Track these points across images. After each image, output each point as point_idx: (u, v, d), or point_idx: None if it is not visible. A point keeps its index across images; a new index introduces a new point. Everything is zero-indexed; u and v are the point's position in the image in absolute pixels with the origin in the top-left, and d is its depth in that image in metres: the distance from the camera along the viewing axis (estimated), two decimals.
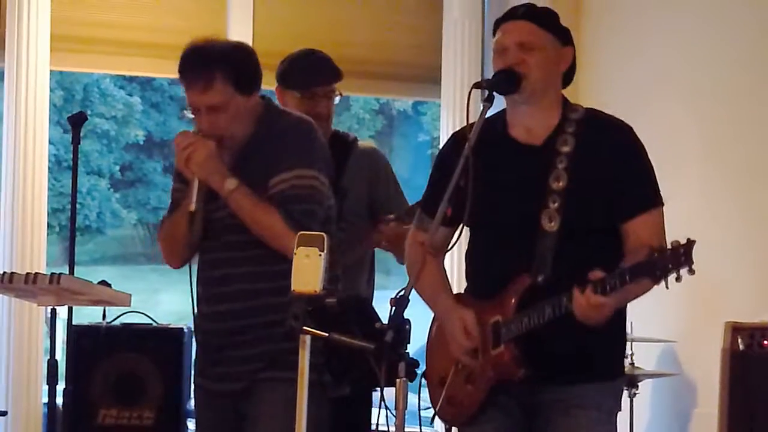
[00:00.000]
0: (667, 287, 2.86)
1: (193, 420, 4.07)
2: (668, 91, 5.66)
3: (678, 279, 2.84)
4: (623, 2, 6.12)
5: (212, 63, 3.51)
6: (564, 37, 3.28)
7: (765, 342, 4.45)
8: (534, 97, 3.22)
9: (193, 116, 3.59)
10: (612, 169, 3.17)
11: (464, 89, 6.14)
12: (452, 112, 6.25)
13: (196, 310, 3.70)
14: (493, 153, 3.24)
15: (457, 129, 3.52)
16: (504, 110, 3.32)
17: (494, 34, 3.28)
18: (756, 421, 4.42)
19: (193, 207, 3.53)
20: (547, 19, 3.27)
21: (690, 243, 2.83)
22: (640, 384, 5.15)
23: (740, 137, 5.22)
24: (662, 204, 3.22)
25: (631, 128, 3.27)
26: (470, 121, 3.11)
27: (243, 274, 3.60)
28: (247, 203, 3.53)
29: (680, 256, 2.82)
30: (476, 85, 3.15)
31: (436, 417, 3.38)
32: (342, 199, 4.13)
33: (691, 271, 2.82)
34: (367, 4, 6.41)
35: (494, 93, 3.15)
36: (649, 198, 3.21)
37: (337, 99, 4.41)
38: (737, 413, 4.46)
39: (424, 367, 3.42)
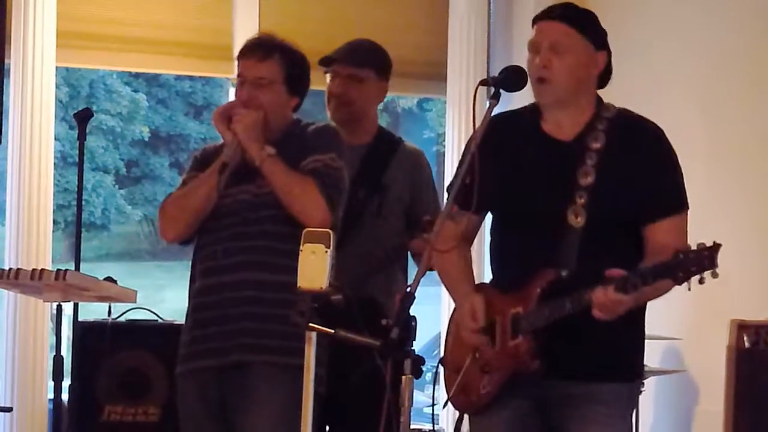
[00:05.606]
0: (689, 289, 2.86)
1: None
2: (674, 87, 5.64)
3: (701, 281, 2.84)
4: None
5: (275, 45, 3.79)
6: (599, 41, 3.26)
7: None
8: (559, 101, 3.23)
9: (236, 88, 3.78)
10: (641, 169, 3.18)
11: (470, 86, 6.14)
12: (458, 108, 6.25)
13: (198, 286, 3.74)
14: (524, 145, 3.26)
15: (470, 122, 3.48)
16: (537, 103, 3.31)
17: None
18: (761, 418, 4.42)
19: (227, 160, 3.65)
20: (583, 22, 3.25)
21: (715, 246, 2.83)
22: (645, 381, 5.14)
23: (747, 134, 5.20)
24: (687, 208, 3.22)
25: (662, 131, 3.27)
26: (475, 119, 3.07)
27: (261, 247, 3.66)
28: (281, 169, 3.65)
29: (704, 259, 2.82)
30: (482, 82, 3.14)
31: (443, 410, 3.38)
32: (383, 196, 4.13)
33: (715, 275, 2.82)
34: (373, 0, 6.41)
35: (501, 90, 3.14)
36: (675, 202, 3.21)
37: None
38: (742, 410, 4.45)
39: (442, 355, 3.43)
